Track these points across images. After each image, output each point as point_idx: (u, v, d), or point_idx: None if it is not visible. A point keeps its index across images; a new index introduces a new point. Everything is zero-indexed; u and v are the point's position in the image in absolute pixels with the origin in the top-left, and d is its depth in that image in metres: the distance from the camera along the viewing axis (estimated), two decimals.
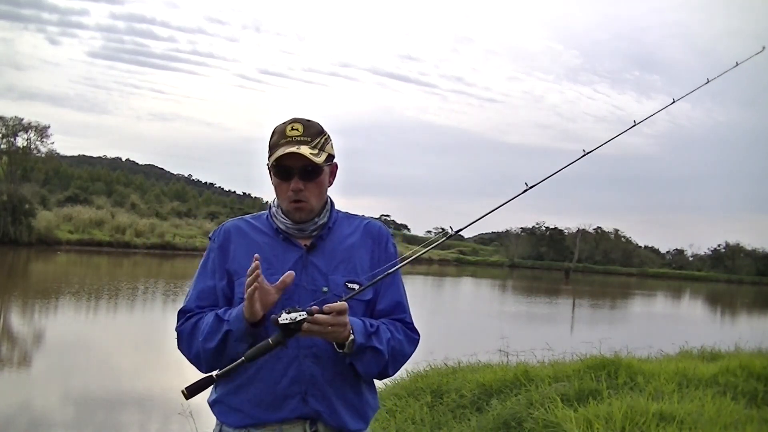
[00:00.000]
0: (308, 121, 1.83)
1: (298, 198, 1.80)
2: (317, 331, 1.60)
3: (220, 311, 1.76)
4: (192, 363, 1.82)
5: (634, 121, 2.32)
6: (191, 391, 1.58)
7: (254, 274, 1.61)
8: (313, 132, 1.81)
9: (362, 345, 1.70)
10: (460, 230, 1.96)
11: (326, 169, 1.84)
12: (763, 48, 2.60)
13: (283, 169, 1.79)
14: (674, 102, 2.44)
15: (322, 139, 1.83)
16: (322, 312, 1.59)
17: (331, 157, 1.86)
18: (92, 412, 7.76)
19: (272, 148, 1.82)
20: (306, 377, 1.75)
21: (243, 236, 1.88)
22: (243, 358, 1.60)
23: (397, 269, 1.81)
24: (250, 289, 1.61)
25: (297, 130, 1.80)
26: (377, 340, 1.74)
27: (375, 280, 1.77)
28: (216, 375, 1.63)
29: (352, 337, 1.68)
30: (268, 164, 1.85)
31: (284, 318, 1.54)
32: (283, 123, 1.83)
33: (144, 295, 20.49)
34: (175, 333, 1.82)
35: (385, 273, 1.78)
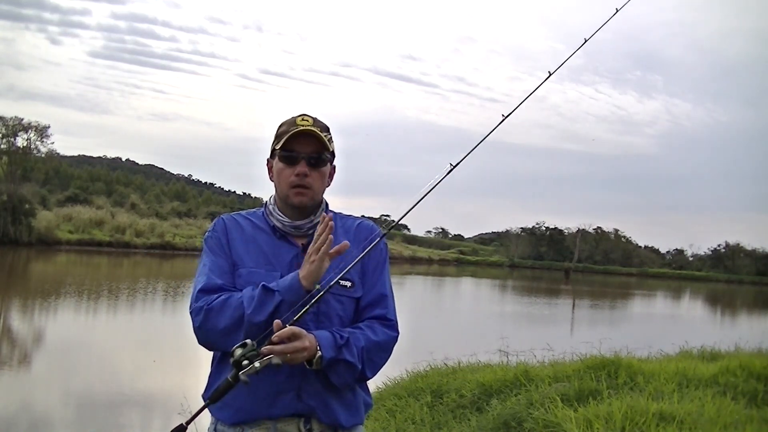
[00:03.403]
0: (316, 117, 1.90)
1: (302, 183, 1.83)
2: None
3: (265, 283, 1.72)
4: (215, 338, 1.75)
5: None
6: None
7: (327, 242, 1.67)
8: (321, 126, 1.88)
9: (332, 359, 1.70)
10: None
11: (329, 163, 1.90)
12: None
13: (291, 154, 1.83)
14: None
15: (329, 135, 1.89)
16: (272, 342, 1.59)
17: (333, 154, 1.92)
18: (93, 412, 7.76)
19: (281, 136, 1.85)
20: (300, 374, 1.74)
21: (241, 230, 1.89)
22: (208, 400, 1.66)
23: (366, 253, 1.81)
24: (326, 258, 1.68)
25: (307, 121, 1.86)
26: (348, 352, 1.73)
27: (353, 263, 1.77)
28: (185, 423, 1.63)
29: (319, 353, 1.67)
30: (274, 148, 1.86)
31: (248, 370, 1.57)
32: (292, 116, 1.89)
33: (144, 295, 20.48)
34: (195, 311, 1.75)
35: (359, 257, 1.79)
